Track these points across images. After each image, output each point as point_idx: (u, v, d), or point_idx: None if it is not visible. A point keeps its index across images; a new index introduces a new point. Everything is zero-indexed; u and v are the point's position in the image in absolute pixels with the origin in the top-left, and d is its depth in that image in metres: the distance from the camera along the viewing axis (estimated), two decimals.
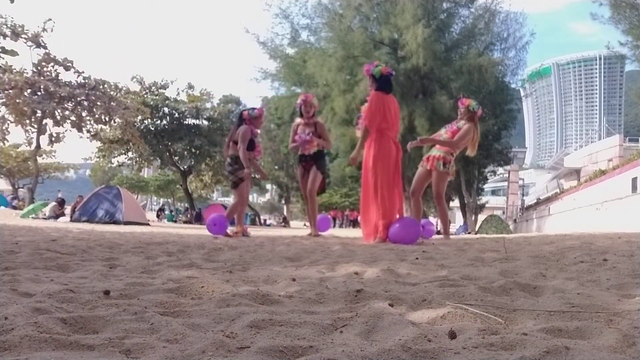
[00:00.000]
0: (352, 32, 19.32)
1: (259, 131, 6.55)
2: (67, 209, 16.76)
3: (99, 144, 25.64)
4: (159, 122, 27.24)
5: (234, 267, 2.40)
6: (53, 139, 22.13)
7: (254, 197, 66.60)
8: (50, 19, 20.32)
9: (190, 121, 27.75)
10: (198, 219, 26.04)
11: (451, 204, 34.20)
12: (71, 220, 13.92)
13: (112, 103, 21.40)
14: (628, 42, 18.61)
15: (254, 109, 6.41)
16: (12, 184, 33.51)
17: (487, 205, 31.58)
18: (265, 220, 37.12)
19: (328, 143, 6.49)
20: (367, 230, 5.12)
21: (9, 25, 18.94)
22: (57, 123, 21.36)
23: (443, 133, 5.89)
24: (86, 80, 21.51)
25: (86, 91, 20.90)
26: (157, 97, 26.99)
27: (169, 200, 54.85)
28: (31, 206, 17.88)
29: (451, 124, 5.92)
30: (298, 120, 6.32)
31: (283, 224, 33.84)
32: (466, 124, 5.73)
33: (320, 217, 7.02)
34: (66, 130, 22.18)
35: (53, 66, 20.92)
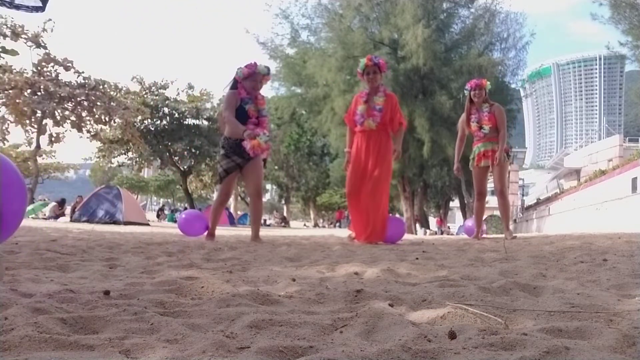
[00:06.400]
0: (352, 32, 19.31)
1: (262, 94, 4.97)
2: (67, 209, 16.76)
3: (99, 144, 25.64)
4: (159, 122, 27.25)
5: (234, 267, 2.40)
6: (53, 139, 22.12)
7: None
8: (50, 19, 20.30)
9: (190, 121, 27.78)
10: None
11: (451, 204, 34.23)
12: (71, 221, 13.93)
13: (112, 103, 21.39)
14: (628, 42, 18.59)
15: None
16: None
17: (487, 205, 31.50)
18: (265, 220, 37.10)
19: None
20: (367, 230, 5.03)
21: (9, 25, 18.92)
22: (57, 123, 21.35)
23: (474, 124, 5.63)
24: (86, 80, 21.50)
25: (86, 91, 20.89)
26: (157, 97, 26.99)
27: (169, 200, 54.86)
28: (31, 206, 17.88)
29: (476, 113, 5.66)
30: None
31: (282, 224, 33.81)
32: (492, 105, 5.65)
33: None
34: (66, 130, 22.18)
35: (53, 66, 20.91)
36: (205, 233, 5.25)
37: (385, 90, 5.14)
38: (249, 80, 4.79)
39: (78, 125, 21.77)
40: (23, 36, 19.51)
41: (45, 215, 16.32)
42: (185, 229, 5.89)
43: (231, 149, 4.75)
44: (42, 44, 20.14)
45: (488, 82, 5.75)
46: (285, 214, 40.45)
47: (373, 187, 4.92)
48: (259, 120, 4.81)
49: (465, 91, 5.84)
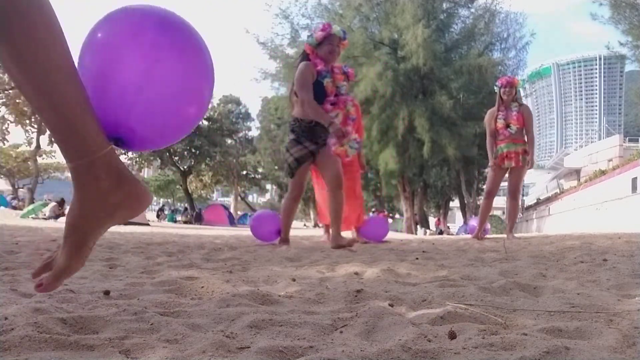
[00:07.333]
0: (352, 32, 19.33)
1: (339, 66, 4.20)
2: (67, 209, 16.77)
3: None
4: None
5: (234, 267, 2.40)
6: (53, 139, 22.13)
7: (253, 197, 66.53)
8: None
9: None
10: (198, 219, 26.12)
11: (451, 204, 34.24)
12: None
13: None
14: (628, 42, 18.61)
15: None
16: (12, 184, 33.51)
17: None
18: None
19: None
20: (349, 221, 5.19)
21: None
22: None
23: (501, 122, 5.55)
24: None
25: None
26: None
27: (169, 200, 54.91)
28: (31, 206, 17.90)
29: (504, 111, 5.58)
30: None
31: None
32: (522, 105, 5.62)
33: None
34: None
35: None
36: (278, 239, 4.32)
37: (353, 100, 5.34)
38: (324, 45, 3.98)
39: None
40: None
41: (45, 215, 16.32)
42: (258, 233, 4.64)
43: (304, 133, 3.92)
44: None
45: (520, 81, 5.75)
46: None
47: (355, 186, 5.13)
48: (337, 99, 4.08)
49: (495, 87, 5.84)
